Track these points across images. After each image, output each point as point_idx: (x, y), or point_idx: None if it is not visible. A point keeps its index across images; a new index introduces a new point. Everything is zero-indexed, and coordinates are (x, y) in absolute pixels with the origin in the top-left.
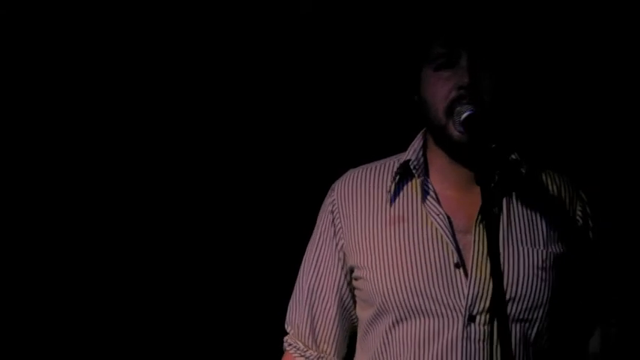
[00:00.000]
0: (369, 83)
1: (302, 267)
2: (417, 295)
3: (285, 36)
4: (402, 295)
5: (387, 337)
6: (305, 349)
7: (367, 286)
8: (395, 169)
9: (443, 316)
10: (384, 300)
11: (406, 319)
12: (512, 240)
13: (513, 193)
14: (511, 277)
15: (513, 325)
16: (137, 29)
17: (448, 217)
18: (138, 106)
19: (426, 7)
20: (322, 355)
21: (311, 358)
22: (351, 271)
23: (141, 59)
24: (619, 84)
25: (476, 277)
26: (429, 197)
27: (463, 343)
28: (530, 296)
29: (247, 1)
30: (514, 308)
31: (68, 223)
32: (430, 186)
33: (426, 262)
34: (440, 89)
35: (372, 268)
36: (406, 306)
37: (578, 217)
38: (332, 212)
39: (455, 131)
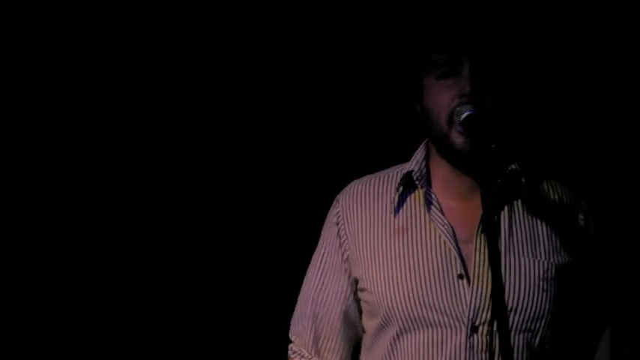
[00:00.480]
0: (370, 83)
1: (307, 278)
2: (422, 305)
3: (285, 36)
4: (407, 306)
5: (392, 348)
6: (310, 357)
7: (372, 298)
8: (398, 180)
9: (446, 327)
10: (388, 311)
11: (410, 329)
12: (513, 251)
13: (514, 204)
14: (512, 288)
15: (516, 336)
16: (137, 29)
17: (452, 228)
18: (139, 107)
19: (427, 15)
20: None
21: None
22: (356, 282)
23: (141, 59)
24: (619, 87)
25: (478, 287)
26: (432, 207)
27: (466, 354)
28: (532, 307)
29: (247, 1)
30: (516, 319)
31: (68, 223)
32: (433, 196)
33: (430, 273)
34: (442, 97)
35: (376, 279)
36: (410, 317)
37: (579, 227)
38: (337, 224)
39: (457, 139)
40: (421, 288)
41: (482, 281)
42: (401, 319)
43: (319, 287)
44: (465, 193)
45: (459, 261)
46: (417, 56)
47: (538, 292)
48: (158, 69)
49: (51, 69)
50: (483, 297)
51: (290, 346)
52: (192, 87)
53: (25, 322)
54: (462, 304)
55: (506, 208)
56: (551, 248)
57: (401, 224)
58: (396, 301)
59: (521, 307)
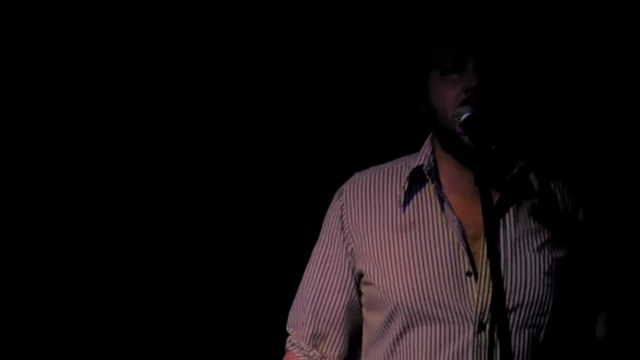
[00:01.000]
0: (370, 83)
1: (307, 270)
2: (429, 301)
3: (285, 36)
4: (414, 301)
5: (397, 343)
6: (309, 349)
7: (377, 292)
8: (406, 174)
9: (454, 323)
10: (395, 306)
11: (417, 325)
12: (519, 246)
13: (522, 200)
14: (519, 283)
15: (522, 331)
16: (137, 29)
17: (461, 224)
18: (139, 107)
19: (430, 11)
20: (325, 356)
21: (314, 358)
22: (361, 275)
23: (141, 59)
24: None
25: (486, 285)
26: (445, 204)
27: (474, 351)
28: (537, 302)
29: (247, 1)
30: (523, 314)
31: (68, 223)
32: (444, 192)
33: (438, 269)
34: (448, 93)
35: (383, 273)
36: (417, 312)
37: (581, 224)
38: (341, 217)
39: (464, 135)
40: (429, 284)
41: (490, 279)
42: (408, 314)
43: (321, 279)
44: (471, 189)
45: (467, 258)
46: (421, 52)
47: (543, 287)
48: (158, 69)
49: (51, 69)
50: (491, 294)
51: (288, 338)
52: (192, 87)
53: (25, 322)
54: (469, 300)
55: (514, 204)
56: (554, 243)
57: (409, 219)
58: (402, 297)
59: (528, 303)
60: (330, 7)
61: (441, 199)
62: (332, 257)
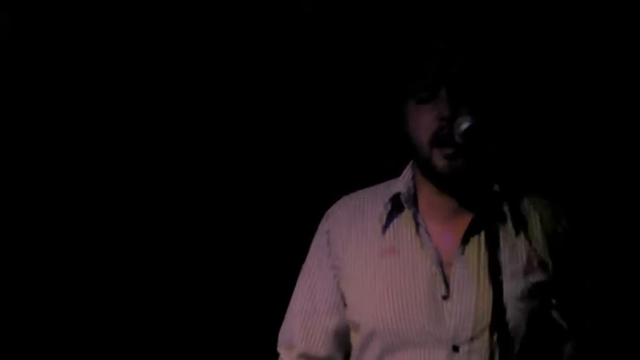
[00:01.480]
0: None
1: (296, 290)
2: (406, 326)
3: (285, 36)
4: (391, 326)
5: None
6: None
7: (355, 316)
8: (386, 200)
9: (429, 347)
10: (372, 330)
11: (394, 349)
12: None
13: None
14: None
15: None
16: (137, 29)
17: (437, 250)
18: (139, 107)
19: (406, 41)
20: None
21: None
22: (342, 297)
23: (141, 59)
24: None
25: (460, 308)
26: (421, 230)
27: None
28: (510, 327)
29: (247, 1)
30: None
31: (68, 223)
32: (420, 218)
33: (415, 295)
34: (422, 122)
35: (362, 298)
36: (395, 336)
37: (558, 245)
38: (327, 239)
39: (439, 162)
40: (406, 309)
41: (462, 302)
42: (385, 338)
43: (309, 299)
44: (448, 214)
45: (442, 282)
46: (398, 84)
47: (514, 312)
48: (158, 69)
49: (51, 69)
50: (463, 316)
51: (280, 358)
52: (191, 87)
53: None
54: (443, 324)
55: (485, 230)
56: (529, 267)
57: (389, 244)
58: (381, 321)
59: (500, 327)
60: (330, 7)
61: (417, 225)
62: (319, 277)
